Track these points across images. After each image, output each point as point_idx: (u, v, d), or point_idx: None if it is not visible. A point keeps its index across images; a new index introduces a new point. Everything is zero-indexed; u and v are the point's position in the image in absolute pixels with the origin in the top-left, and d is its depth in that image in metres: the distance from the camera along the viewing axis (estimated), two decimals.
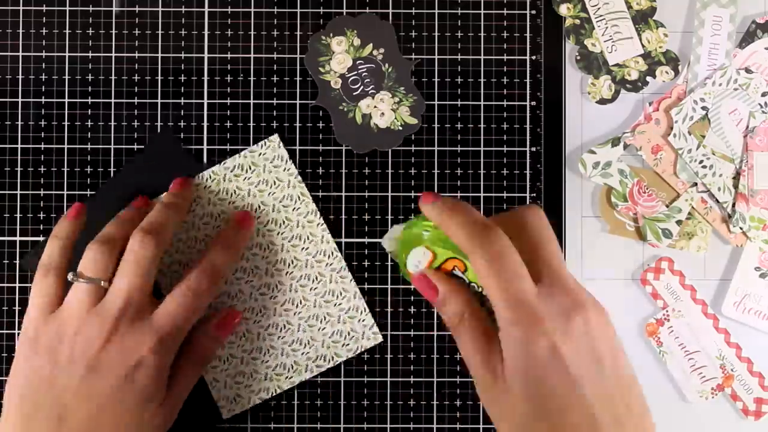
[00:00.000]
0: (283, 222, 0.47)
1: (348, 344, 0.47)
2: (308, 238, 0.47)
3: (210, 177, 0.47)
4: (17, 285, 0.48)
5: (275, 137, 0.47)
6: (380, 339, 0.48)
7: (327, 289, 0.47)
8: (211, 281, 0.43)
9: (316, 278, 0.47)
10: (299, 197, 0.47)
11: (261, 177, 0.47)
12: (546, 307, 0.35)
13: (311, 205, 0.47)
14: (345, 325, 0.47)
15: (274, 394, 0.47)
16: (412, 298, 0.48)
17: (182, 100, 0.48)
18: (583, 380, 0.34)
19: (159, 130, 0.48)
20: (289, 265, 0.47)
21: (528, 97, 0.49)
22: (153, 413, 0.41)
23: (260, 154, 0.47)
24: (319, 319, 0.47)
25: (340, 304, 0.47)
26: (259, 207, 0.47)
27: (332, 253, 0.47)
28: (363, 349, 0.47)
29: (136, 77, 0.48)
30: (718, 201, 0.48)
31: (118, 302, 0.41)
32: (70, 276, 0.41)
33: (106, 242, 0.42)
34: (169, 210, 0.44)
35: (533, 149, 0.49)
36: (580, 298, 0.35)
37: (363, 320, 0.47)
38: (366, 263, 0.48)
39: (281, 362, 0.47)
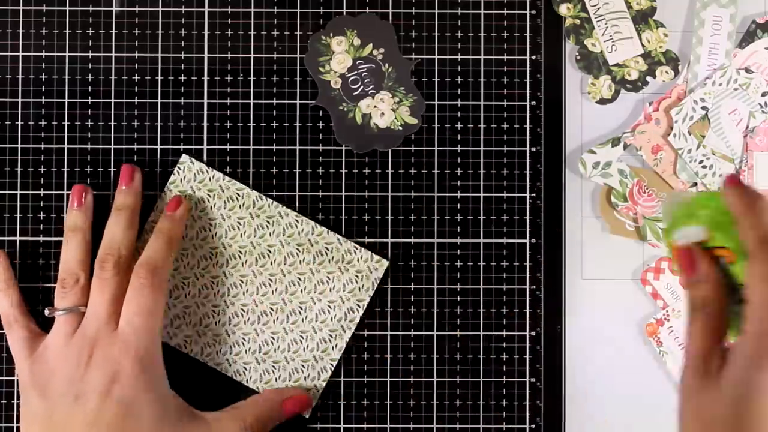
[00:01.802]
0: (239, 224, 0.47)
1: (363, 285, 0.47)
2: (269, 223, 0.47)
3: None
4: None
5: (184, 157, 0.47)
6: (386, 263, 0.47)
7: (313, 253, 0.47)
8: (153, 275, 0.43)
9: (298, 251, 0.47)
10: (238, 194, 0.47)
11: (194, 199, 0.47)
12: None
13: (253, 193, 0.47)
14: (349, 273, 0.47)
15: (331, 369, 0.47)
16: (412, 298, 0.48)
17: (182, 100, 0.48)
18: None
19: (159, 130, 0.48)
20: (268, 255, 0.47)
21: (528, 97, 0.49)
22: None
23: (182, 180, 0.47)
24: (323, 282, 0.47)
25: (333, 258, 0.47)
26: (210, 225, 0.47)
27: (297, 221, 0.47)
28: (378, 280, 0.47)
29: (136, 77, 0.48)
30: None
31: (98, 325, 0.42)
32: (47, 312, 0.44)
33: (70, 274, 0.44)
34: (128, 229, 0.45)
35: (533, 149, 0.49)
36: None
37: (361, 257, 0.47)
38: None
39: (318, 339, 0.47)
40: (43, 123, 0.48)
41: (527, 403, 0.48)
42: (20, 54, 0.48)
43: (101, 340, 0.42)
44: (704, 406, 0.33)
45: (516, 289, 0.48)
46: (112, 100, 0.48)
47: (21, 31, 0.48)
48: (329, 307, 0.47)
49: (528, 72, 0.49)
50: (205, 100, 0.48)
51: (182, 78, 0.48)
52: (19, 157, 0.48)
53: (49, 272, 0.48)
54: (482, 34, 0.49)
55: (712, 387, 0.33)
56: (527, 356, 0.48)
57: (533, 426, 0.48)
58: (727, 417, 0.32)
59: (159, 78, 0.48)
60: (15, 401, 0.47)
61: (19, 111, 0.48)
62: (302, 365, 0.47)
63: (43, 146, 0.48)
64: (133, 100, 0.48)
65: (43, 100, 0.48)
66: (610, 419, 0.49)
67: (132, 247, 0.45)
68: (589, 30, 0.48)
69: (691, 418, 0.34)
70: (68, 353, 0.42)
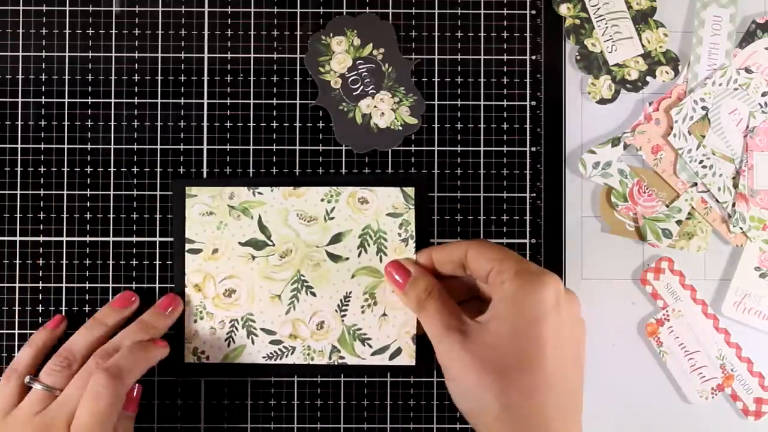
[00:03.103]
0: None
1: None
2: None
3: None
4: (17, 285, 0.48)
5: None
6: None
7: None
8: (115, 381, 0.42)
9: None
10: None
11: None
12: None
13: None
14: None
15: None
16: None
17: (182, 100, 0.48)
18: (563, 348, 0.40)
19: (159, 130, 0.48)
20: None
21: (528, 97, 0.49)
22: None
23: None
24: None
25: None
26: None
27: None
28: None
29: (136, 77, 0.48)
30: (718, 201, 0.48)
31: (58, 415, 0.42)
32: (26, 379, 0.44)
33: (68, 356, 0.44)
34: (139, 352, 0.44)
35: (533, 149, 0.49)
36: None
37: None
38: None
39: None
40: (43, 123, 0.48)
41: None
42: (20, 54, 0.48)
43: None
44: (484, 351, 0.40)
45: None
46: (112, 100, 0.48)
47: (21, 31, 0.48)
48: None
49: (528, 72, 0.49)
50: (205, 100, 0.48)
51: (182, 78, 0.48)
52: (19, 157, 0.48)
53: (49, 272, 0.48)
54: (482, 34, 0.49)
55: (481, 331, 0.41)
56: None
57: None
58: (508, 346, 0.40)
59: (159, 78, 0.48)
60: None
61: (19, 111, 0.48)
62: None
63: (43, 146, 0.48)
64: (133, 100, 0.48)
65: (43, 100, 0.48)
66: (609, 419, 0.49)
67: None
68: (589, 30, 0.48)
69: (467, 372, 0.40)
70: (27, 429, 0.42)
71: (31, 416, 0.42)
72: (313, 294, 0.47)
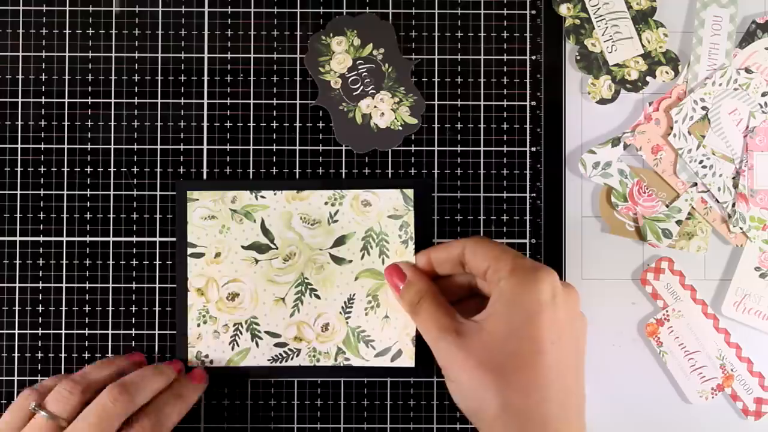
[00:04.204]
0: None
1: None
2: None
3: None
4: (17, 285, 0.48)
5: None
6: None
7: None
8: (124, 395, 0.41)
9: None
10: None
11: None
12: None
13: None
14: None
15: None
16: None
17: (182, 100, 0.48)
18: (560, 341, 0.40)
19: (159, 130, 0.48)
20: None
21: (528, 97, 0.49)
22: None
23: None
24: None
25: None
26: None
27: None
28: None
29: (136, 77, 0.48)
30: (718, 201, 0.48)
31: None
32: (32, 405, 0.41)
33: (80, 383, 0.42)
34: (155, 375, 0.44)
35: (533, 149, 0.49)
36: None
37: None
38: None
39: None
40: (43, 123, 0.48)
41: None
42: (20, 54, 0.48)
43: None
44: (478, 349, 0.40)
45: None
46: (112, 100, 0.48)
47: (21, 31, 0.48)
48: None
49: (528, 72, 0.49)
50: (205, 100, 0.48)
51: (182, 78, 0.48)
52: (19, 157, 0.48)
53: (49, 272, 0.48)
54: (482, 34, 0.49)
55: (477, 329, 0.41)
56: None
57: None
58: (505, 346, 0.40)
59: (159, 78, 0.48)
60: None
61: (19, 111, 0.48)
62: None
63: (43, 146, 0.48)
64: (133, 100, 0.48)
65: (43, 100, 0.48)
66: (609, 419, 0.49)
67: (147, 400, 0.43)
68: (589, 30, 0.48)
69: (462, 372, 0.41)
70: None
71: None
72: (318, 296, 0.47)
